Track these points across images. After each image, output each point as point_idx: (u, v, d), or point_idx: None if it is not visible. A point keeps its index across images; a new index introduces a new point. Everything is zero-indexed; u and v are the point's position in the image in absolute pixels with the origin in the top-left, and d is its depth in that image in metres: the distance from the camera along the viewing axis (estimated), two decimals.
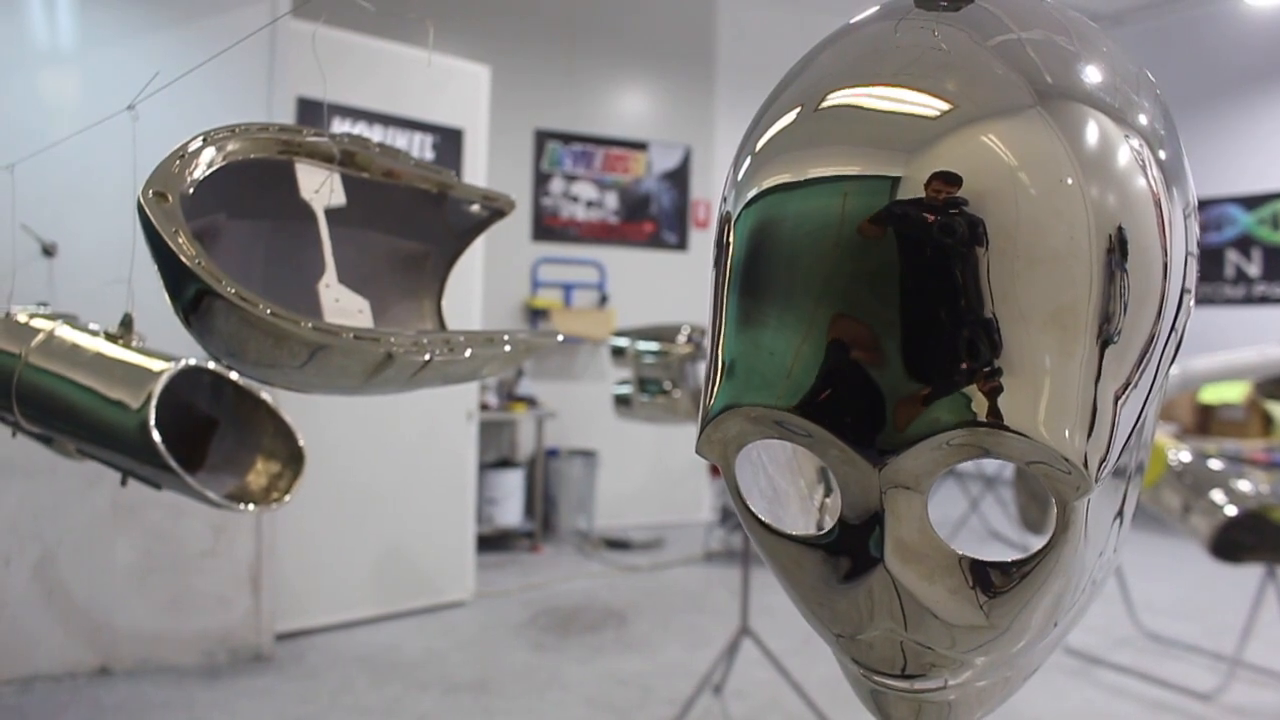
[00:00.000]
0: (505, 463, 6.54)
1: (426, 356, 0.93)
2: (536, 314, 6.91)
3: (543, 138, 7.12)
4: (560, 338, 1.22)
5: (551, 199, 7.15)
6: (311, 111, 4.35)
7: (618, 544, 6.57)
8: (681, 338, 3.70)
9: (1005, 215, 0.46)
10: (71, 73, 3.94)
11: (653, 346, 3.75)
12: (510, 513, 6.33)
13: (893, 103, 0.50)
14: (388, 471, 4.80)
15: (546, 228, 7.12)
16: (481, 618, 4.96)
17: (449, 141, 5.02)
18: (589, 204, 7.25)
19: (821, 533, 0.55)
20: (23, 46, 3.87)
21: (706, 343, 0.57)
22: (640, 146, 7.41)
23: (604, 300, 7.16)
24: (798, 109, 0.54)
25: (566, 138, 7.19)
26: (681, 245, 7.55)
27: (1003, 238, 0.46)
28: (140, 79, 1.98)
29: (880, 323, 0.47)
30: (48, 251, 2.57)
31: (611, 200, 7.32)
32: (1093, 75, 0.52)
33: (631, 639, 4.65)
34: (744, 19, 7.71)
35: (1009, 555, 0.52)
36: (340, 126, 4.54)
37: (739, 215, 0.54)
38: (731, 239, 0.55)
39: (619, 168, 7.35)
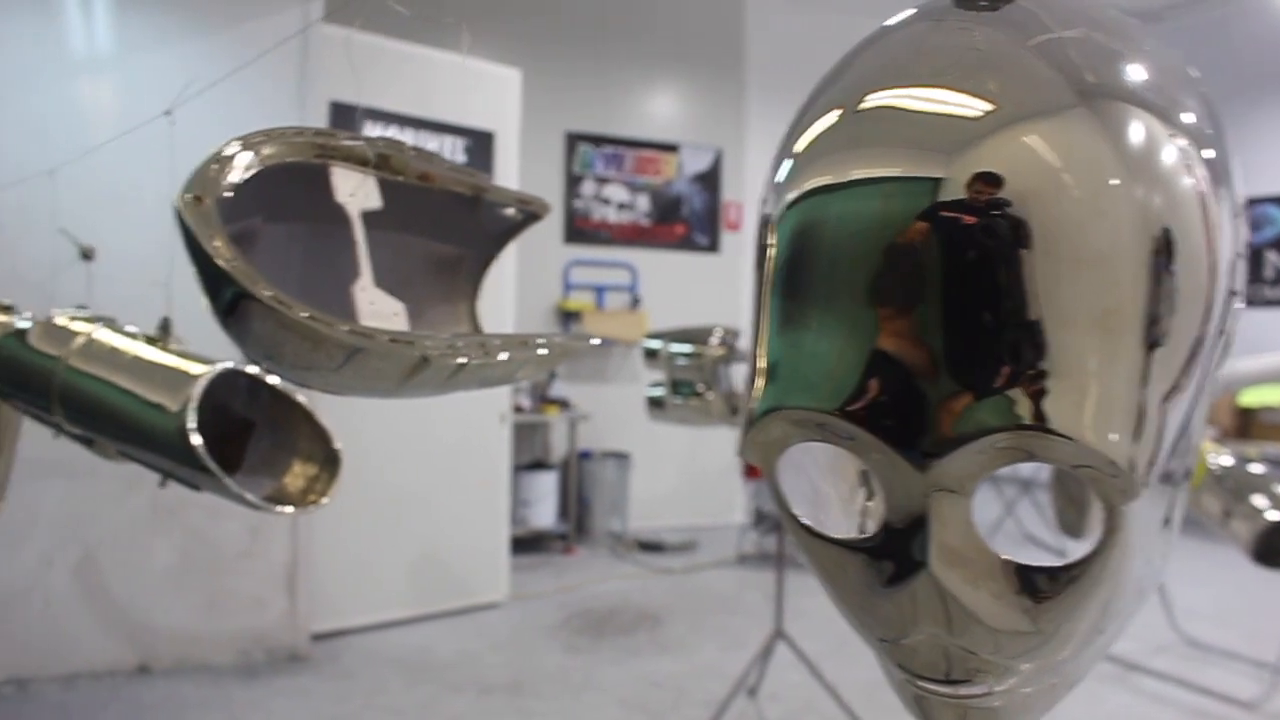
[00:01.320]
0: (539, 465, 6.55)
1: (462, 360, 0.93)
2: (569, 316, 6.92)
3: (574, 140, 7.14)
4: (595, 341, 1.22)
5: (583, 201, 7.16)
6: (344, 116, 4.37)
7: (651, 546, 6.57)
8: (714, 340, 3.70)
9: (1049, 216, 0.46)
10: (108, 79, 3.99)
11: (686, 349, 3.74)
12: (544, 515, 6.35)
13: (933, 103, 0.50)
14: (422, 474, 4.83)
15: (578, 230, 7.13)
16: (515, 619, 4.97)
17: (480, 145, 5.04)
18: (620, 206, 7.26)
19: (864, 536, 0.54)
20: (61, 53, 3.92)
21: (748, 345, 0.57)
22: (671, 148, 7.41)
23: (636, 302, 7.16)
24: (837, 111, 0.54)
25: (597, 140, 7.20)
26: (713, 247, 7.54)
27: (1047, 239, 0.46)
28: (175, 85, 2.00)
29: (922, 325, 0.47)
30: (86, 255, 2.59)
31: (643, 202, 7.32)
32: (1137, 73, 0.51)
33: (665, 641, 4.65)
34: (773, 20, 7.69)
35: (1049, 560, 0.52)
36: (372, 130, 4.57)
37: (779, 218, 0.54)
38: (772, 241, 0.54)
39: (650, 170, 7.35)
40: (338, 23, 3.95)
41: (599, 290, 7.14)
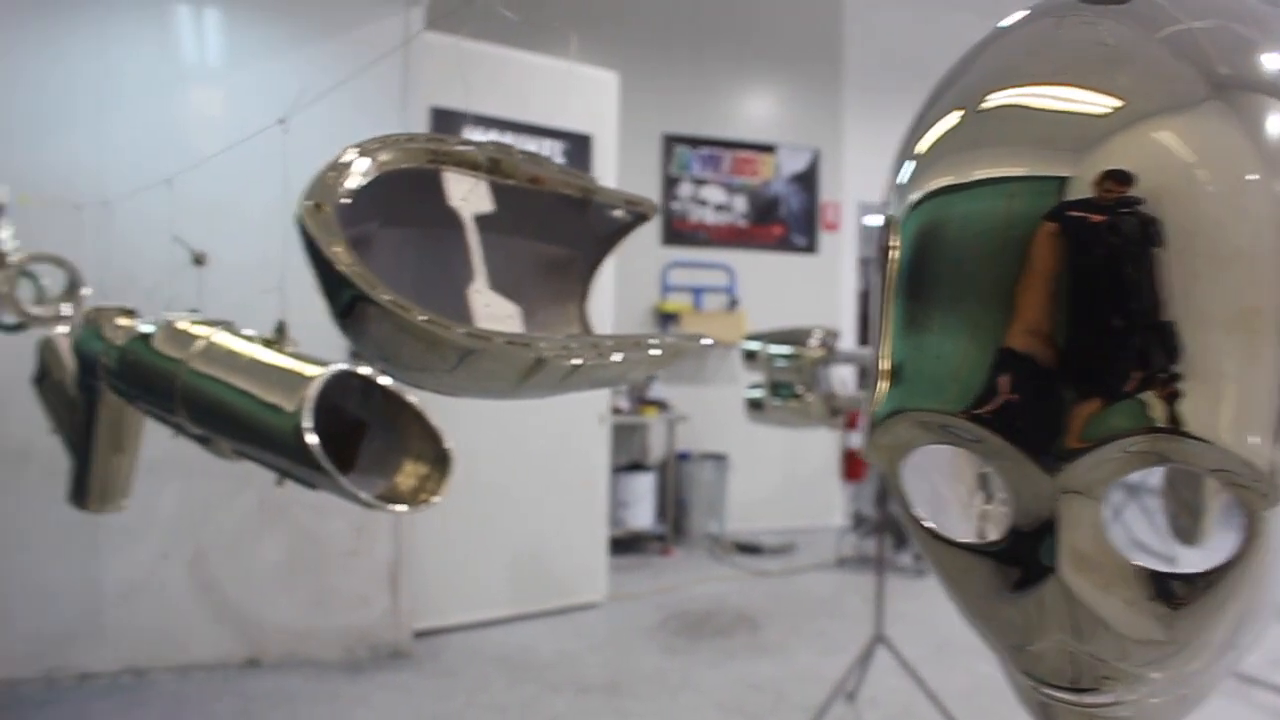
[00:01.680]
0: (637, 466, 6.57)
1: (576, 361, 0.94)
2: (666, 318, 6.93)
3: (671, 142, 7.14)
4: (706, 341, 1.23)
5: (680, 203, 7.17)
6: (444, 121, 4.44)
7: (749, 548, 6.54)
8: (814, 341, 3.67)
9: (1183, 214, 0.45)
10: (218, 89, 4.11)
11: (785, 350, 3.72)
12: (641, 516, 6.37)
13: (1059, 100, 0.49)
14: (522, 474, 4.87)
15: (676, 231, 7.14)
16: (613, 620, 4.99)
17: (578, 147, 5.07)
18: (718, 207, 7.25)
19: (990, 540, 0.53)
20: (174, 66, 4.05)
21: (845, 347, 0.57)
22: (768, 149, 7.38)
23: (734, 304, 7.14)
24: (959, 111, 0.53)
25: (694, 141, 7.20)
26: (811, 248, 7.49)
27: (1181, 237, 0.45)
28: (281, 94, 2.05)
29: (1051, 326, 0.46)
30: (198, 261, 2.67)
31: (740, 203, 7.30)
32: (1274, 63, 0.49)
33: (763, 644, 4.63)
34: (871, 18, 7.61)
35: (1160, 566, 0.51)
36: (473, 135, 4.63)
37: (902, 219, 0.54)
38: (895, 243, 0.54)
39: (747, 171, 7.33)
40: (439, 30, 4.02)
41: (697, 292, 7.14)
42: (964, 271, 0.49)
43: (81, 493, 2.45)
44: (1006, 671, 0.58)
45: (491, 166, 1.08)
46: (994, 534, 0.53)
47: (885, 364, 0.54)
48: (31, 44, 3.84)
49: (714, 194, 7.24)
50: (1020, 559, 0.52)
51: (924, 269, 0.52)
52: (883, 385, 0.54)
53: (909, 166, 0.55)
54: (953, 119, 0.53)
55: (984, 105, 0.52)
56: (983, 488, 0.70)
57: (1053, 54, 0.51)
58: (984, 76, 0.53)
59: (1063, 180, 0.47)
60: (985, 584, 0.54)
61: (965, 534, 0.57)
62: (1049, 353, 0.46)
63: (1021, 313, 0.47)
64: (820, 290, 7.33)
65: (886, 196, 0.57)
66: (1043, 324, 0.46)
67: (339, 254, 0.89)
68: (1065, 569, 0.49)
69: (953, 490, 0.68)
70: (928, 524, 0.57)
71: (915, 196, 0.53)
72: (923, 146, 0.54)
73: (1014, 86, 0.51)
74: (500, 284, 1.06)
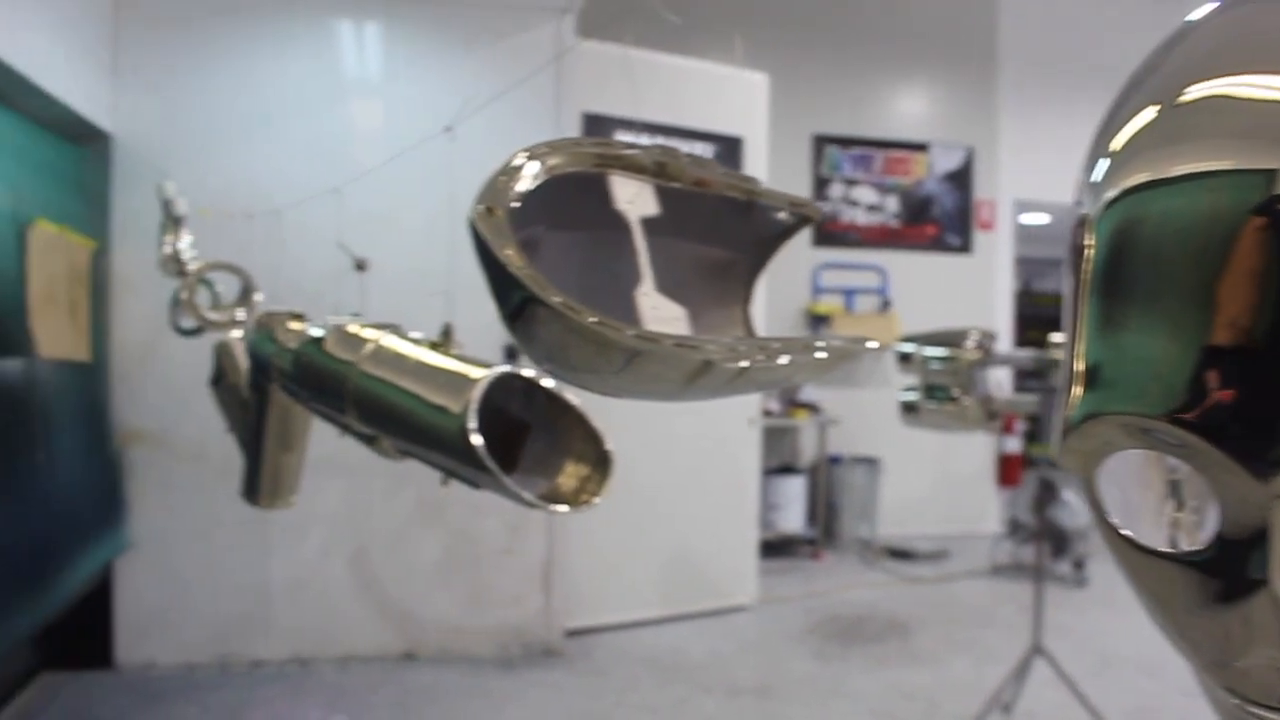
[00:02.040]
0: (787, 469, 6.53)
1: (744, 363, 0.94)
2: (817, 320, 6.87)
3: (821, 142, 7.08)
4: (873, 344, 1.21)
5: (831, 204, 7.10)
6: (596, 126, 4.50)
7: (900, 553, 6.44)
8: (970, 342, 3.59)
9: None
10: (378, 100, 4.25)
11: (940, 352, 3.66)
12: (792, 519, 6.33)
13: (1266, 90, 0.47)
14: (672, 476, 4.90)
15: (827, 233, 7.07)
16: (763, 623, 4.98)
17: (728, 150, 5.07)
18: (869, 208, 7.15)
19: (1194, 550, 0.51)
20: (338, 80, 4.20)
21: (1062, 351, 0.55)
22: (921, 148, 7.25)
23: (886, 305, 7.04)
24: (1155, 105, 0.51)
25: (845, 141, 7.12)
26: (965, 248, 7.33)
27: None
28: (436, 105, 2.11)
29: (1260, 325, 0.44)
30: (360, 266, 2.76)
31: (892, 203, 7.19)
32: None
33: (916, 651, 4.55)
34: (1027, 10, 7.40)
35: None
36: (625, 138, 4.68)
37: (1097, 217, 0.52)
38: (1089, 242, 0.52)
39: (899, 170, 7.22)
40: (591, 36, 4.07)
41: (848, 293, 7.06)
42: (1163, 269, 0.48)
43: (253, 489, 2.55)
44: (1205, 687, 0.55)
45: (658, 170, 1.08)
46: (1189, 543, 0.51)
47: (1080, 366, 0.53)
48: (207, 66, 4.04)
49: (865, 194, 7.15)
50: (1227, 570, 0.49)
51: (1121, 268, 0.50)
52: (1077, 388, 0.53)
53: (1103, 164, 0.53)
54: (1149, 114, 0.51)
55: (1183, 99, 0.50)
56: (1175, 494, 0.67)
57: (1256, 43, 0.49)
58: (1182, 69, 0.51)
59: (1272, 173, 0.45)
60: (1186, 596, 0.52)
61: (1160, 542, 0.55)
62: (1258, 354, 0.44)
63: (1228, 311, 0.45)
64: (975, 291, 7.17)
65: (1079, 195, 0.55)
66: (1251, 323, 0.44)
67: (511, 256, 0.90)
68: (1278, 581, 0.47)
69: (1144, 496, 0.66)
70: (1125, 532, 0.55)
71: (1111, 194, 0.51)
72: (1117, 143, 0.52)
73: (1215, 78, 0.49)
74: (665, 286, 1.07)
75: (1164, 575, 0.53)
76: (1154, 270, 0.48)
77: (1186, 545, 0.63)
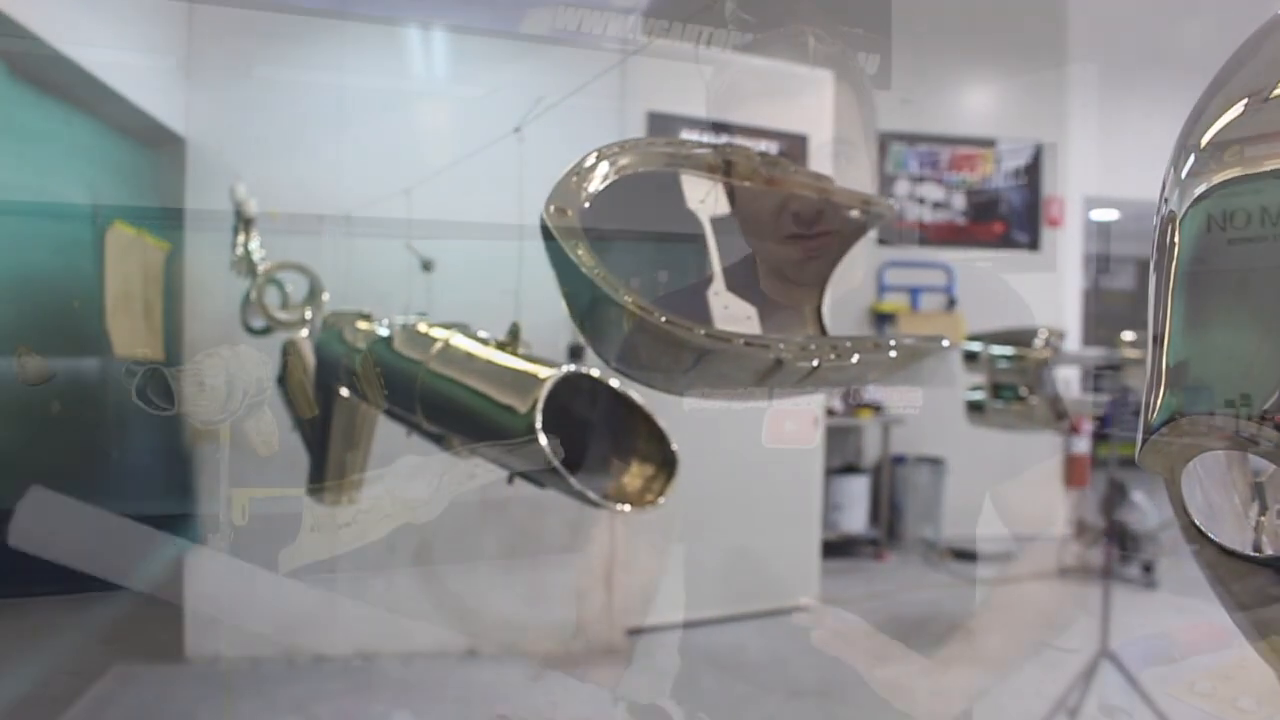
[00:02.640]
0: (851, 469, 6.48)
1: (815, 363, 0.94)
2: (882, 318, 6.81)
3: (886, 140, 7.01)
4: (945, 343, 1.20)
5: (897, 201, 7.03)
6: (660, 125, 4.49)
7: (965, 555, 6.36)
8: (1039, 341, 3.55)
9: None
10: (444, 103, 4.28)
11: (1008, 351, 3.61)
12: (855, 519, 6.28)
13: None
14: (735, 475, 4.87)
15: (893, 230, 7.00)
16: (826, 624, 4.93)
17: (793, 148, 5.03)
18: (935, 205, 7.07)
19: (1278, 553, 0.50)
20: (407, 81, 4.24)
21: (1147, 350, 0.54)
22: (988, 144, 7.15)
23: (952, 304, 6.96)
24: (1243, 101, 0.50)
25: (911, 139, 7.04)
26: (1033, 245, 7.22)
27: None
28: (501, 108, 2.11)
29: None
30: (426, 267, 2.79)
31: (959, 201, 7.10)
32: None
33: (980, 654, 4.47)
34: (1096, 5, 7.26)
35: None
36: (687, 137, 4.67)
37: (1184, 214, 0.51)
38: (1176, 239, 0.52)
39: (966, 167, 7.12)
40: (658, 35, 4.07)
41: (913, 292, 6.99)
42: (1254, 267, 0.47)
43: (318, 487, 2.58)
44: None
45: (728, 169, 1.09)
46: (1276, 547, 0.50)
47: (1166, 365, 0.52)
48: (277, 70, 4.09)
49: (932, 191, 7.07)
50: None
51: (1209, 265, 0.49)
52: (1163, 388, 0.52)
53: (1190, 160, 0.52)
54: (1236, 110, 0.51)
55: (1274, 94, 0.49)
56: (1258, 496, 0.66)
57: None
58: (1273, 62, 0.51)
59: None
60: (1272, 599, 0.51)
61: (1246, 546, 0.54)
62: None
63: None
64: (1044, 289, 7.05)
65: (1166, 192, 0.54)
66: None
67: (582, 256, 0.91)
68: None
69: (1228, 499, 0.64)
70: (1211, 534, 0.54)
71: (1199, 190, 0.50)
72: (1204, 139, 0.52)
73: None
74: (735, 285, 1.07)
75: (1248, 578, 0.52)
76: (1245, 267, 0.47)
77: (1273, 550, 0.62)
